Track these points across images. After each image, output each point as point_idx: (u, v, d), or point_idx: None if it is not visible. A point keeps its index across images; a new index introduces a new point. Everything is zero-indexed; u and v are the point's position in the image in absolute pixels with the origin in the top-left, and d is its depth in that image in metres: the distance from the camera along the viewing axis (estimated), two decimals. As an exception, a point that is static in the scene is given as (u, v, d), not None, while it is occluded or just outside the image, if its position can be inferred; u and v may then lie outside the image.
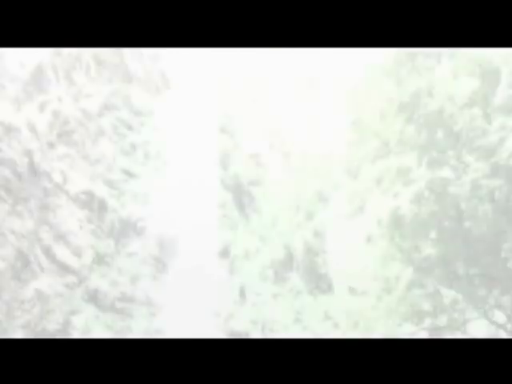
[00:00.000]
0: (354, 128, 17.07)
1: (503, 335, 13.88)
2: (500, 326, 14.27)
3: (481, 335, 13.46)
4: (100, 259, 25.52)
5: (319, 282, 36.81)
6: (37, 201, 23.58)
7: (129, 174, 29.67)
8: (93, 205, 26.55)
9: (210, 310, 27.07)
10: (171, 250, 27.35)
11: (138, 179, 29.70)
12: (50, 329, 21.42)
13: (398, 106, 14.71)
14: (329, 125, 60.82)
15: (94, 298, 23.88)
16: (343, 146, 18.24)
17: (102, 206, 26.73)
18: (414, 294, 13.82)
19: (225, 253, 31.40)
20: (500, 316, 14.37)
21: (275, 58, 69.67)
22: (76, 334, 21.12)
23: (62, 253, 24.19)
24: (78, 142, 27.58)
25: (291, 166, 51.26)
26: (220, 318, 27.39)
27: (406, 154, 14.96)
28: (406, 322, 14.88)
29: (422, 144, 14.27)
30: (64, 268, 24.03)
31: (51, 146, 25.29)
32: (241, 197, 37.76)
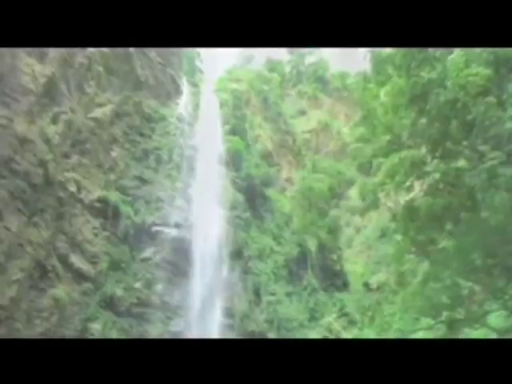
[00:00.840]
0: (366, 122, 16.81)
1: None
2: (522, 318, 13.83)
3: (500, 327, 13.05)
4: (115, 265, 25.63)
5: (334, 279, 36.40)
6: (52, 211, 23.77)
7: (142, 180, 29.81)
8: (107, 212, 26.68)
9: (225, 311, 27.01)
10: (185, 254, 27.35)
11: (150, 185, 29.80)
12: (69, 336, 21.57)
13: (409, 99, 14.42)
14: (339, 121, 60.41)
15: (110, 304, 23.96)
16: (355, 141, 17.99)
17: (116, 213, 26.86)
18: (430, 287, 13.51)
19: (238, 253, 31.27)
20: (521, 307, 13.93)
21: (280, 57, 69.59)
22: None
23: (78, 261, 24.34)
24: (91, 150, 27.79)
25: (303, 164, 51.08)
26: (235, 318, 27.27)
27: (419, 147, 14.68)
28: (423, 316, 14.56)
29: (435, 136, 13.96)
30: (80, 276, 24.17)
31: (65, 156, 25.50)
32: (253, 197, 37.63)
